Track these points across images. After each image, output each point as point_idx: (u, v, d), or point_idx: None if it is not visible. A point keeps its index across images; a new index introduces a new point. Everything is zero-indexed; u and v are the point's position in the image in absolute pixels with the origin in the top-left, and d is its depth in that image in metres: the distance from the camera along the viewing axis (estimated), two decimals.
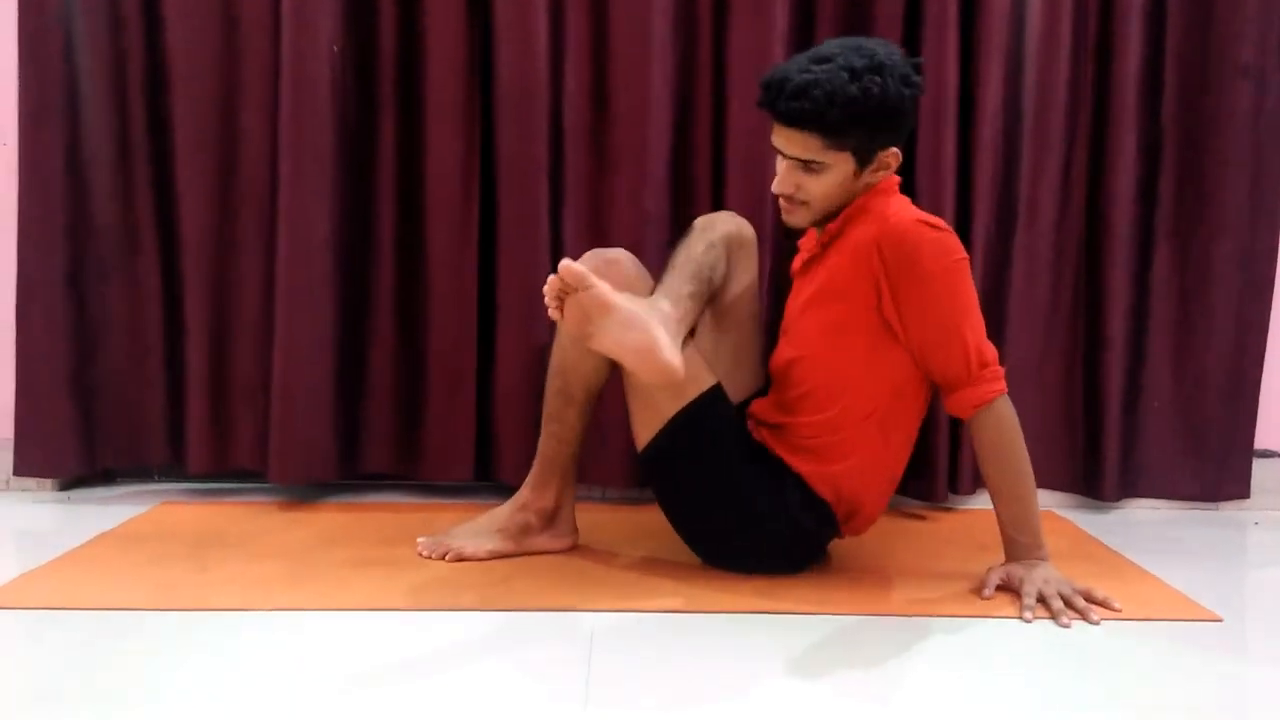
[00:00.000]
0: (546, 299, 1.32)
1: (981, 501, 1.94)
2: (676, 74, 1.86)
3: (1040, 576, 1.41)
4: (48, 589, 1.40)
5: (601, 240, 1.85)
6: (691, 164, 1.88)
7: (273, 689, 1.11)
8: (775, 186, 1.44)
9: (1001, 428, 1.41)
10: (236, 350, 1.91)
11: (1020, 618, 1.35)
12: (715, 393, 1.46)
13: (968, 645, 1.27)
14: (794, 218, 1.48)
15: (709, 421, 1.45)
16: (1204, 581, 1.53)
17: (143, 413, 1.94)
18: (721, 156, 1.87)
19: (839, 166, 1.40)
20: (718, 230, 1.52)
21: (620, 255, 1.47)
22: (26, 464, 1.89)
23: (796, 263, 1.59)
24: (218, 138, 1.87)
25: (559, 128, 1.86)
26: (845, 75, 1.31)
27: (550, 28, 1.84)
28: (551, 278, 1.31)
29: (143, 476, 2.03)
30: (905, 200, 1.47)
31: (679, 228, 1.86)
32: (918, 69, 1.39)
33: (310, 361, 1.85)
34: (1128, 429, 1.94)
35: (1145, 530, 1.85)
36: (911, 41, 1.84)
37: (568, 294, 1.31)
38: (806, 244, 1.56)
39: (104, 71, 1.86)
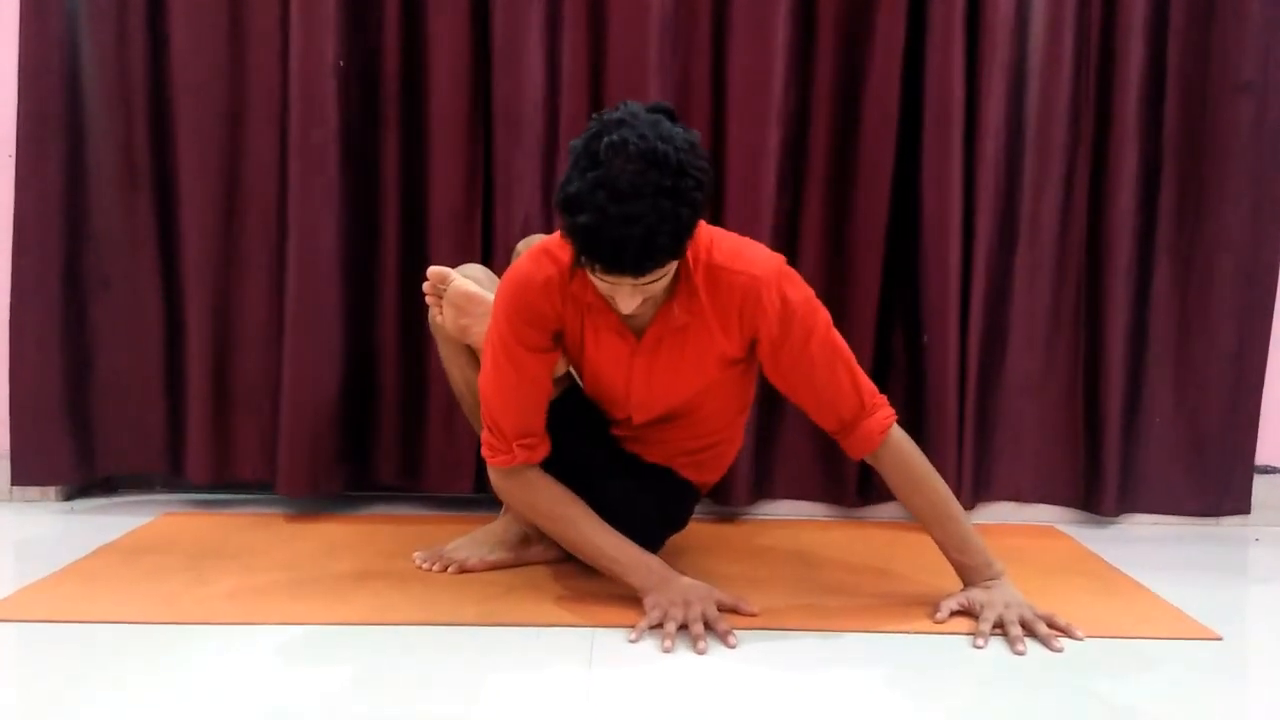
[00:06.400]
0: (429, 302, 1.51)
1: (980, 515, 1.95)
2: (674, 91, 1.87)
3: (1000, 601, 1.36)
4: (49, 602, 1.40)
5: None
6: None
7: (272, 703, 1.11)
8: (625, 310, 1.26)
9: (909, 452, 1.41)
10: (239, 361, 1.92)
11: (974, 643, 1.32)
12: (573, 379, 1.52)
13: (961, 663, 1.27)
14: (642, 318, 1.35)
15: (577, 404, 1.50)
16: (1204, 599, 1.52)
17: (142, 423, 1.94)
18: (720, 172, 1.88)
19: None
20: None
21: (472, 268, 1.58)
22: (23, 473, 1.89)
23: (619, 335, 1.39)
24: (222, 149, 1.88)
25: (554, 146, 1.86)
26: (667, 203, 1.16)
27: (546, 48, 1.85)
28: (425, 284, 1.50)
29: (146, 486, 2.03)
30: (710, 236, 1.35)
31: None
32: (673, 116, 1.24)
33: (318, 374, 1.86)
34: (1128, 444, 1.94)
35: (1145, 546, 1.85)
36: (916, 57, 1.85)
37: (440, 295, 1.49)
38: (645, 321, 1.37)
39: (107, 82, 1.87)
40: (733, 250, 1.35)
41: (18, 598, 1.41)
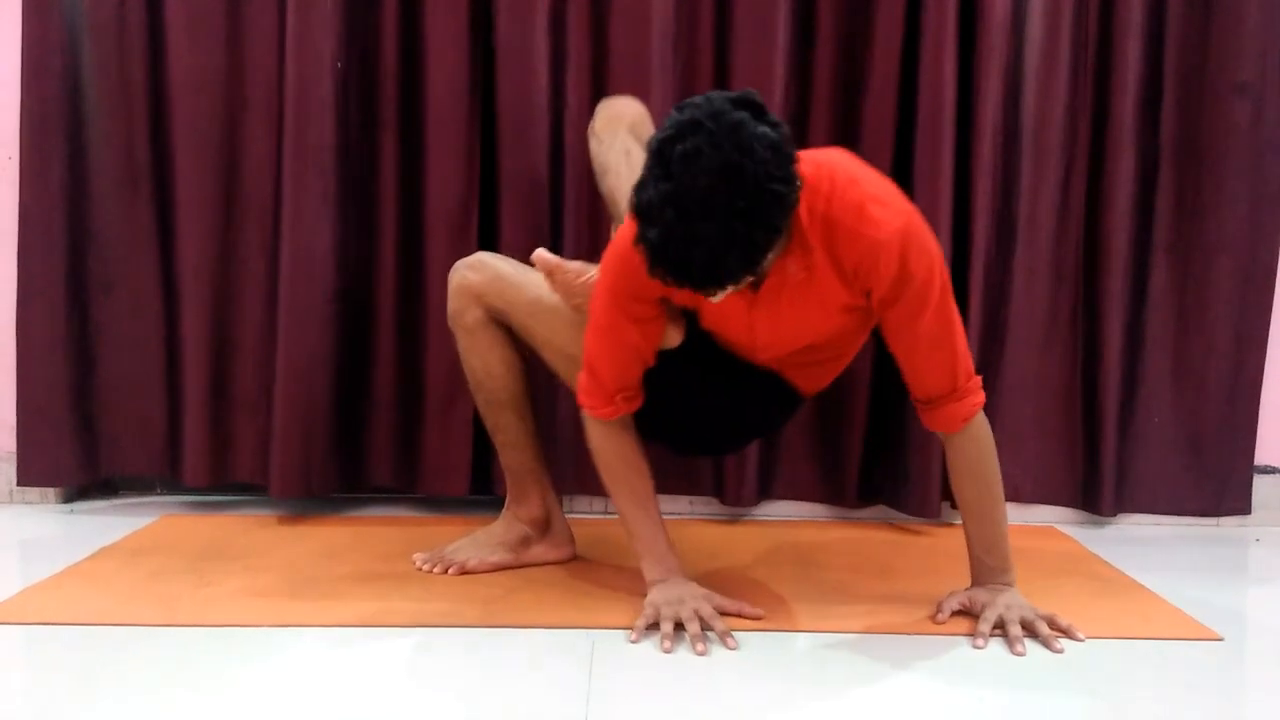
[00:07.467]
0: (563, 292, 1.44)
1: None
2: (676, 92, 1.87)
3: (1002, 602, 1.36)
4: (50, 604, 1.40)
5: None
6: None
7: (274, 705, 1.11)
8: (714, 300, 1.20)
9: (983, 445, 1.38)
10: (236, 364, 1.92)
11: (973, 644, 1.32)
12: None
13: (963, 664, 1.27)
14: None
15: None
16: (1204, 599, 1.52)
17: (143, 425, 1.94)
18: None
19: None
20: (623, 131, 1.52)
21: (490, 256, 1.57)
22: (28, 474, 1.90)
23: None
24: (220, 151, 1.88)
25: (559, 146, 1.87)
26: (740, 224, 1.09)
27: (551, 47, 1.85)
28: (562, 277, 1.43)
29: (146, 488, 2.03)
30: (831, 183, 1.24)
31: None
32: (760, 110, 1.13)
33: (311, 376, 1.86)
34: (1127, 444, 1.94)
35: (1145, 546, 1.85)
36: (910, 59, 1.85)
37: (554, 277, 1.43)
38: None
39: (108, 85, 1.87)
40: (856, 206, 1.23)
41: (19, 599, 1.42)
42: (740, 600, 1.41)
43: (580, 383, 1.42)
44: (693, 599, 1.36)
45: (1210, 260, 1.92)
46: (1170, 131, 1.91)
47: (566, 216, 1.89)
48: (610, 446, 1.43)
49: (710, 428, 1.51)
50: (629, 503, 1.44)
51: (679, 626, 1.32)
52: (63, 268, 1.87)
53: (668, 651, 1.27)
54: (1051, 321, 1.95)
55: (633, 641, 1.31)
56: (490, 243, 1.89)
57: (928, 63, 1.82)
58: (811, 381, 1.49)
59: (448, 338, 1.88)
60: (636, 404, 1.41)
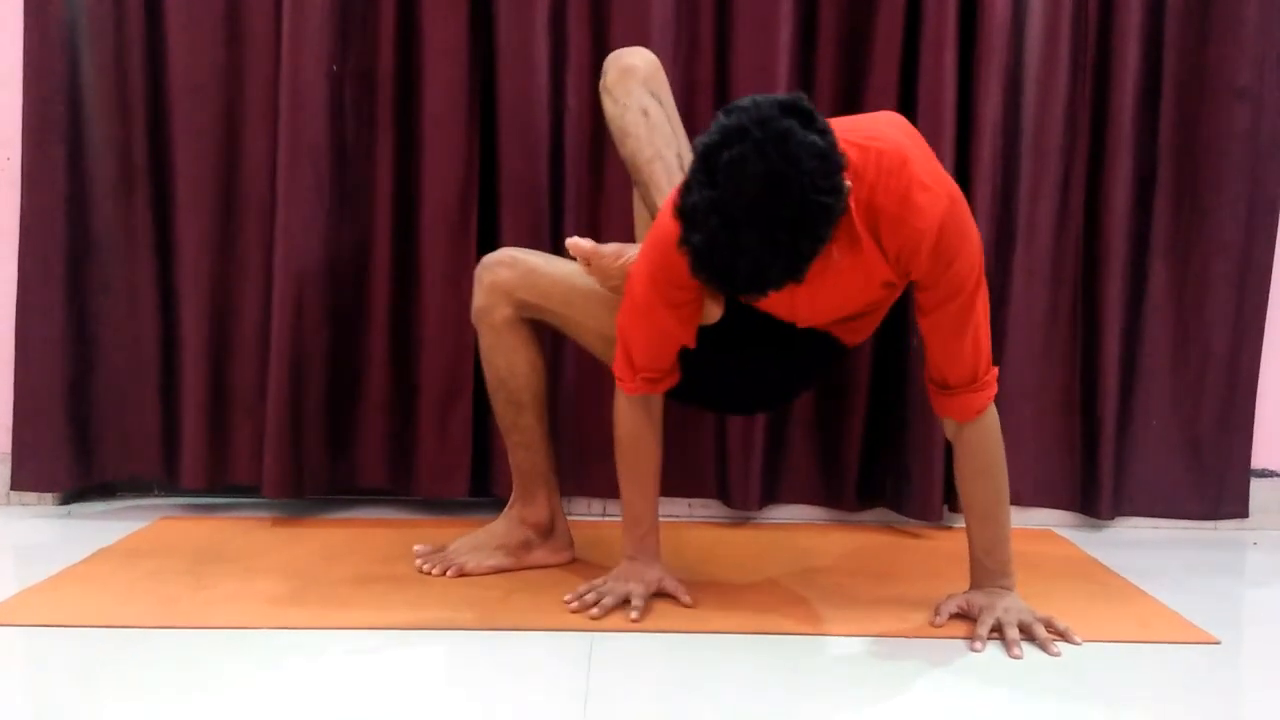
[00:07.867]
0: (597, 275, 1.43)
1: None
2: (679, 90, 1.86)
3: (1000, 605, 1.36)
4: (48, 605, 1.40)
5: None
6: None
7: (272, 707, 1.11)
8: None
9: (992, 440, 1.37)
10: (234, 365, 1.92)
11: (971, 647, 1.31)
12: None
13: (960, 667, 1.27)
14: None
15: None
16: (1201, 603, 1.52)
17: (139, 427, 1.94)
18: None
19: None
20: (635, 91, 1.48)
21: (514, 252, 1.58)
22: (23, 478, 1.89)
23: None
24: (217, 154, 1.88)
25: (560, 146, 1.87)
26: (784, 234, 1.08)
27: (551, 46, 1.85)
28: (596, 262, 1.40)
29: (143, 490, 2.03)
30: (876, 171, 1.23)
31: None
32: (809, 117, 1.11)
33: (306, 377, 1.86)
34: (1125, 447, 1.95)
35: (1143, 549, 1.85)
36: (909, 60, 1.85)
37: (597, 264, 1.41)
38: None
39: (107, 88, 1.87)
40: (901, 194, 1.22)
41: (16, 601, 1.41)
42: (681, 588, 1.46)
43: (616, 357, 1.42)
44: (638, 583, 1.43)
45: (1208, 263, 1.92)
46: (1169, 134, 1.91)
47: (567, 216, 1.89)
48: (625, 421, 1.45)
49: (760, 395, 1.56)
50: (629, 478, 1.48)
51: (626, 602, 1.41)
52: (61, 268, 1.87)
53: (574, 612, 1.40)
54: (1050, 324, 1.95)
55: (566, 601, 1.43)
56: (490, 243, 1.89)
57: (928, 64, 1.82)
58: (854, 334, 1.48)
59: (446, 339, 1.89)
60: (661, 386, 1.42)
